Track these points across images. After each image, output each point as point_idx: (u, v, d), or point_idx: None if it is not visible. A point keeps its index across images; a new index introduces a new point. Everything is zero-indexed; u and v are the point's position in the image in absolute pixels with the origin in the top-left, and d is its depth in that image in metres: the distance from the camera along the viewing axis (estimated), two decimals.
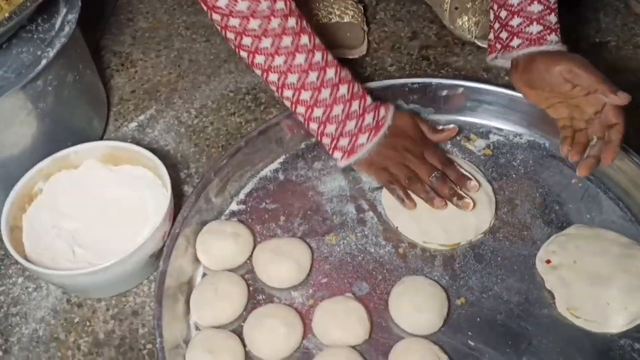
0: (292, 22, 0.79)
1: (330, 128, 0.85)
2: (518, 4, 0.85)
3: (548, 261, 0.81)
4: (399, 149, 0.87)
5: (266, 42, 0.79)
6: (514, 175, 0.91)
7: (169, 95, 1.06)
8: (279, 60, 0.81)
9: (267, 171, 0.94)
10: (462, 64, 1.08)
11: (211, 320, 0.78)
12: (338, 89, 0.84)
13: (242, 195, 0.92)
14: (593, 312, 0.76)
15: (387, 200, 0.88)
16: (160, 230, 0.79)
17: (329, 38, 1.08)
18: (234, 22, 0.78)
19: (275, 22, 0.78)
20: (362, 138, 0.86)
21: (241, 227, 0.86)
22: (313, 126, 0.86)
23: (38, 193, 0.85)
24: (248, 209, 0.90)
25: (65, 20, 0.84)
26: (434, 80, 0.98)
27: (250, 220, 0.89)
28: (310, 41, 0.81)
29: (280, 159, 0.95)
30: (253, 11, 0.77)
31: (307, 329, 0.78)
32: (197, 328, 0.79)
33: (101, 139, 0.99)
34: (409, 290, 0.79)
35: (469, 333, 0.77)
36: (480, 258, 0.83)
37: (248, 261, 0.84)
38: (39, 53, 0.81)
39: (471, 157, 0.93)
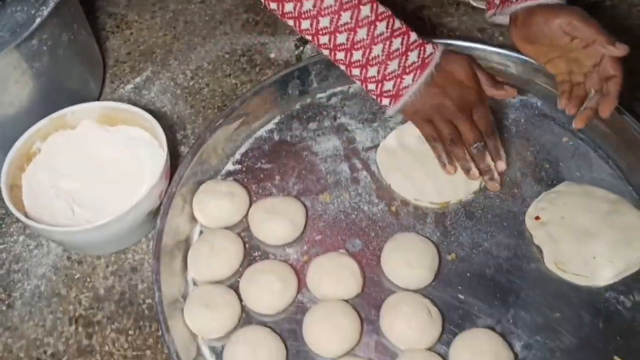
0: None
1: (372, 71, 0.80)
2: None
3: (537, 217, 0.83)
4: (449, 99, 0.81)
5: None
6: (505, 135, 0.92)
7: (165, 57, 1.06)
8: (307, 5, 0.77)
9: (262, 132, 0.95)
10: (457, 24, 1.08)
11: (208, 276, 0.80)
12: (375, 27, 0.78)
13: (237, 156, 0.93)
14: (580, 267, 0.78)
15: (382, 158, 0.90)
16: (157, 189, 0.81)
17: None
18: None
19: None
20: (407, 79, 0.80)
21: (237, 187, 0.87)
22: (355, 72, 0.81)
23: (36, 153, 0.86)
24: (244, 169, 0.91)
25: None
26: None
27: (245, 180, 0.90)
28: None
29: (276, 120, 0.96)
30: None
31: (301, 284, 0.80)
32: (194, 284, 0.81)
33: (97, 100, 1.00)
34: (401, 246, 0.81)
35: (459, 287, 0.79)
36: (471, 215, 0.85)
37: (244, 219, 0.86)
38: (33, 12, 0.82)
39: None
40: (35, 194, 0.84)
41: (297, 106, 0.97)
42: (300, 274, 0.81)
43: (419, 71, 0.80)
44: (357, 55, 0.80)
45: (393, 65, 0.79)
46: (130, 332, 0.78)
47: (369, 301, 0.79)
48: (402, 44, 0.80)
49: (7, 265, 0.84)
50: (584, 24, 0.80)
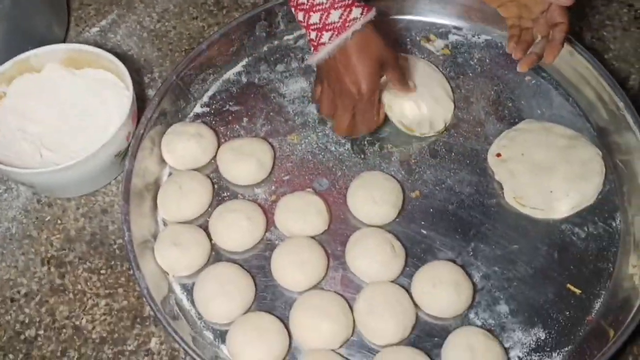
0: None
1: (314, 17, 0.74)
2: None
3: (498, 155, 0.85)
4: (353, 72, 0.75)
5: None
6: (470, 74, 0.93)
7: (130, 0, 1.05)
8: None
9: (230, 74, 0.95)
10: None
11: (177, 216, 0.82)
12: None
13: (205, 98, 0.93)
14: (537, 200, 0.81)
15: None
16: (124, 130, 0.81)
17: None
18: None
19: None
20: (325, 36, 0.74)
21: (204, 128, 0.88)
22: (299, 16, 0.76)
23: (2, 96, 0.86)
24: (212, 111, 0.92)
25: None
26: None
27: (214, 122, 0.91)
28: None
29: (243, 62, 0.96)
30: None
31: (269, 223, 0.82)
32: (164, 224, 0.83)
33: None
34: (366, 184, 0.83)
35: (422, 223, 0.82)
36: (435, 153, 0.87)
37: (212, 161, 0.87)
38: None
39: (430, 56, 0.95)
40: (2, 137, 0.84)
41: (265, 48, 0.97)
42: (268, 213, 0.83)
43: (336, 32, 0.74)
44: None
45: (314, 18, 0.74)
46: (102, 271, 0.80)
47: (335, 238, 0.81)
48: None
49: None
50: None
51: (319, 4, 0.73)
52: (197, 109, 0.92)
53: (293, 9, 0.76)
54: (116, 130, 0.80)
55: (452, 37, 0.97)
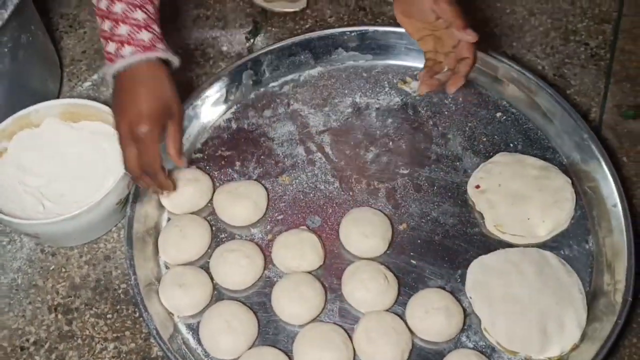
0: None
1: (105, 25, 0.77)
2: None
3: (477, 186, 0.91)
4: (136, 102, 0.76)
5: None
6: (446, 112, 1.00)
7: None
8: None
9: (220, 121, 1.00)
10: None
11: (178, 258, 0.86)
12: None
13: (198, 145, 0.98)
14: (516, 227, 0.88)
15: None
16: (125, 179, 0.85)
17: None
18: None
19: None
20: (127, 50, 0.76)
21: (200, 173, 0.92)
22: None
23: (3, 152, 0.90)
24: (205, 157, 0.97)
25: None
26: (370, 28, 1.05)
27: (208, 167, 0.95)
28: None
29: (232, 109, 1.02)
30: None
31: (267, 261, 0.86)
32: (166, 267, 0.87)
33: (57, 98, 1.03)
34: (357, 219, 0.88)
35: (411, 253, 0.87)
36: (419, 188, 0.93)
37: (209, 204, 0.92)
38: None
39: (407, 98, 1.02)
40: (5, 191, 0.87)
41: (252, 95, 1.03)
42: (265, 251, 0.87)
43: (142, 49, 0.76)
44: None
45: (122, 30, 0.76)
46: (109, 316, 0.83)
47: (330, 272, 0.86)
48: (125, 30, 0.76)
49: None
50: (447, 5, 0.86)
51: (130, 18, 0.76)
52: (191, 156, 0.97)
53: (99, 19, 0.78)
54: (118, 180, 0.84)
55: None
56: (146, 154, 0.77)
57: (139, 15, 0.77)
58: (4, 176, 0.88)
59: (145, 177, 0.79)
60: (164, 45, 0.79)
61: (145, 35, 0.77)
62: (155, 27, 0.79)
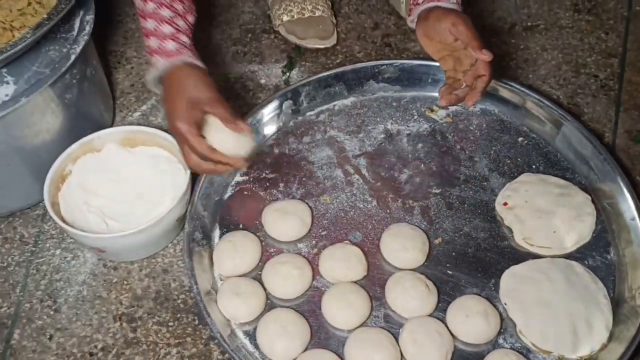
0: None
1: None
2: None
3: (505, 204, 0.99)
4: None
5: None
6: (471, 138, 1.09)
7: None
8: None
9: (263, 146, 1.08)
10: (419, 48, 1.23)
11: (232, 270, 0.93)
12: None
13: (244, 168, 1.06)
14: (544, 240, 0.95)
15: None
16: (184, 198, 0.93)
17: (304, 30, 1.24)
18: None
19: None
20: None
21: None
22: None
23: (68, 174, 0.97)
24: (251, 179, 1.04)
25: (84, 20, 0.96)
26: (398, 62, 1.15)
27: (254, 188, 1.03)
28: None
29: (274, 136, 1.10)
30: None
31: (314, 272, 0.93)
32: (220, 279, 0.93)
33: (111, 127, 1.11)
34: (396, 234, 0.95)
35: (447, 264, 0.95)
36: (451, 206, 1.01)
37: (257, 222, 0.99)
38: (65, 50, 0.93)
39: (435, 124, 1.10)
40: (71, 210, 0.94)
41: (292, 123, 1.11)
42: (312, 263, 0.94)
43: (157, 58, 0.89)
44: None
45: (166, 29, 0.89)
46: (170, 323, 0.89)
47: (374, 281, 0.93)
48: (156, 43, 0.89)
49: (48, 276, 0.94)
50: (464, 27, 0.95)
51: (159, 31, 0.88)
52: (238, 178, 1.05)
53: (141, 18, 0.90)
54: (178, 198, 0.91)
55: (452, 108, 1.13)
56: (195, 148, 0.86)
57: (166, 29, 0.88)
58: (70, 197, 0.95)
59: (208, 166, 0.88)
60: (190, 52, 0.90)
61: (171, 45, 0.88)
62: (184, 37, 0.90)
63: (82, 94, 0.99)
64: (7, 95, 0.88)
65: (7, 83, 0.88)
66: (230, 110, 0.88)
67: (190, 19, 0.92)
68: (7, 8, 0.89)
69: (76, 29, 0.96)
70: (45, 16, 0.85)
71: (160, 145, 1.00)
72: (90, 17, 0.97)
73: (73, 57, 0.92)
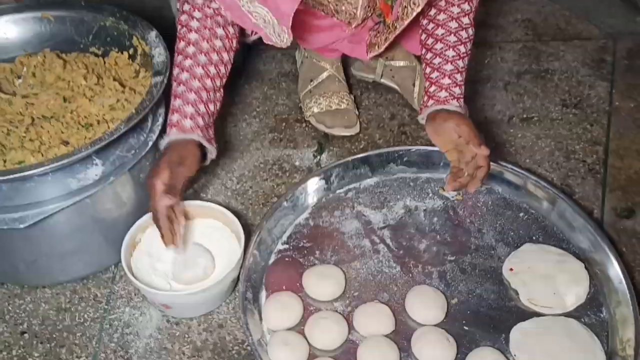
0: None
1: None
2: (435, 78, 1.21)
3: (511, 269, 1.16)
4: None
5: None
6: (479, 213, 1.26)
7: (213, 169, 1.37)
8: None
9: (300, 219, 1.25)
10: None
11: (279, 325, 1.07)
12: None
13: (284, 238, 1.22)
14: (546, 300, 1.11)
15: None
16: (238, 263, 1.09)
17: (331, 120, 1.44)
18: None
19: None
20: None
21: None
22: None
23: (138, 242, 1.13)
24: (291, 247, 1.21)
25: (157, 113, 1.15)
26: (413, 148, 1.34)
27: (294, 255, 1.19)
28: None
29: (309, 210, 1.27)
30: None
31: (350, 327, 1.08)
32: (268, 332, 1.08)
33: None
34: (419, 294, 1.11)
35: (463, 321, 1.10)
36: (464, 271, 1.17)
37: (298, 284, 1.14)
38: (142, 138, 1.12)
39: (447, 202, 1.28)
40: (141, 274, 1.10)
41: (324, 200, 1.29)
42: (347, 320, 1.09)
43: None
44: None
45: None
46: None
47: (401, 335, 1.08)
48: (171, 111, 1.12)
49: (120, 330, 1.08)
50: (467, 128, 1.14)
51: (182, 110, 1.09)
52: (279, 246, 1.21)
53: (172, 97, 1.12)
54: (235, 263, 1.07)
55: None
56: (154, 203, 1.05)
57: (189, 109, 1.09)
58: (139, 262, 1.11)
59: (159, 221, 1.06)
60: (201, 133, 1.10)
61: (187, 123, 1.08)
62: (200, 120, 1.09)
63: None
64: (96, 175, 1.05)
65: (96, 165, 1.06)
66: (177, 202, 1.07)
67: (211, 107, 1.13)
68: (100, 104, 1.08)
69: (150, 120, 1.15)
70: (133, 111, 1.04)
71: (214, 217, 1.17)
72: (162, 110, 1.16)
73: (150, 144, 1.11)
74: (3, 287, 1.14)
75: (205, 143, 1.10)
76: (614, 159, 1.39)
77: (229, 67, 1.17)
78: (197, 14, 1.13)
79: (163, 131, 1.17)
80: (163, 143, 1.09)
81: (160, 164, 1.05)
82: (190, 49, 1.11)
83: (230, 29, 1.15)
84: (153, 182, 1.04)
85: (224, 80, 1.16)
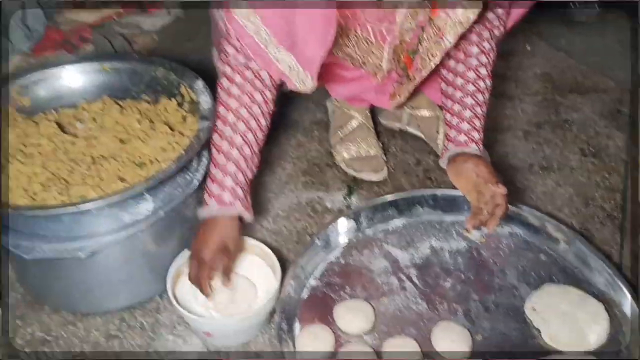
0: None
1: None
2: (455, 124, 1.30)
3: (533, 308, 1.21)
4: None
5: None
6: (502, 254, 1.33)
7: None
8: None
9: (331, 257, 1.33)
10: None
11: (313, 354, 1.14)
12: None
13: (317, 274, 1.30)
14: (567, 339, 1.16)
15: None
16: (275, 296, 1.16)
17: (360, 165, 1.53)
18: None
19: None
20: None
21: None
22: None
23: (181, 273, 1.21)
24: (323, 284, 1.28)
25: (202, 154, 1.25)
26: (439, 191, 1.42)
27: (325, 290, 1.26)
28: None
29: (340, 249, 1.35)
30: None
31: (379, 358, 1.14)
32: None
33: None
34: (445, 330, 1.17)
35: (488, 357, 1.15)
36: (488, 309, 1.23)
37: (329, 317, 1.21)
38: (188, 177, 1.22)
39: (471, 243, 1.35)
40: (183, 302, 1.17)
41: (354, 239, 1.37)
42: (376, 351, 1.15)
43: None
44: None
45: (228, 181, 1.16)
46: None
47: None
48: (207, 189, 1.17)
49: (164, 357, 1.15)
50: (485, 168, 1.23)
51: (222, 182, 1.15)
52: (312, 282, 1.28)
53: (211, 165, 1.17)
54: (272, 295, 1.15)
55: (485, 230, 1.38)
56: (198, 269, 1.12)
57: (228, 182, 1.14)
58: (182, 293, 1.19)
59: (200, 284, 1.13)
60: (240, 203, 1.15)
61: (227, 197, 1.13)
62: (240, 191, 1.15)
63: (191, 212, 1.26)
64: (147, 210, 1.15)
65: (147, 200, 1.15)
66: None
67: (249, 173, 1.19)
68: (152, 146, 1.19)
69: (196, 161, 1.25)
70: (182, 152, 1.14)
71: (254, 253, 1.25)
72: (205, 152, 1.26)
73: (196, 183, 1.20)
74: (58, 314, 1.22)
75: (243, 214, 1.16)
76: (632, 206, 1.45)
77: (266, 131, 1.23)
78: (237, 78, 1.18)
79: (205, 174, 1.27)
80: (202, 213, 1.14)
81: (204, 254, 1.12)
82: (231, 117, 1.16)
83: (268, 94, 1.21)
84: (204, 256, 1.12)
85: (262, 144, 1.22)
